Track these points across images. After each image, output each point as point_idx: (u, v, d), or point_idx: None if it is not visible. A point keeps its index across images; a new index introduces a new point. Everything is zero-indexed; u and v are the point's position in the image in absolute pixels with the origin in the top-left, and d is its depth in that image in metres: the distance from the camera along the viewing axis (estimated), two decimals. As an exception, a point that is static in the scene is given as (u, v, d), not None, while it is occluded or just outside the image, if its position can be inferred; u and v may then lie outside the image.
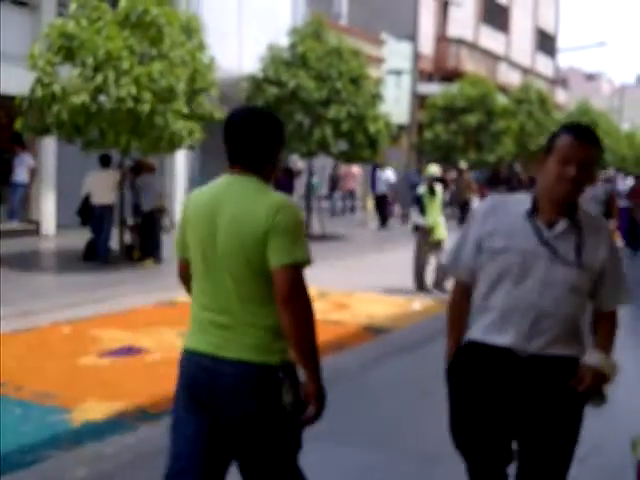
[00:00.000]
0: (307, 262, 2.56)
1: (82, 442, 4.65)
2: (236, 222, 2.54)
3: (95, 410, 5.21)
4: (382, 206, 20.70)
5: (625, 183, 23.66)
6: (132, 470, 4.33)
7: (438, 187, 10.40)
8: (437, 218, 10.22)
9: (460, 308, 2.92)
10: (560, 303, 2.70)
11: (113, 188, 11.84)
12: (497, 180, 30.10)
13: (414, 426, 5.15)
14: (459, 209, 21.63)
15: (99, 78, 10.42)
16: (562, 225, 2.69)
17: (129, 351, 6.86)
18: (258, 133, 2.63)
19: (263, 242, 2.51)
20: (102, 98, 10.55)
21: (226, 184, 2.67)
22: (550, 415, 2.75)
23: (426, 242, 10.20)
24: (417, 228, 10.35)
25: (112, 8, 11.23)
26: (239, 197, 2.59)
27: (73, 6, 11.17)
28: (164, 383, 5.87)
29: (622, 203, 15.32)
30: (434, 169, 10.56)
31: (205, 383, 2.62)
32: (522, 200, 2.78)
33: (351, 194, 22.96)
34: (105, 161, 12.02)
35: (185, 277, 2.87)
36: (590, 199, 10.15)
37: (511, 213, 2.76)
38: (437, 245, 10.27)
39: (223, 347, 2.59)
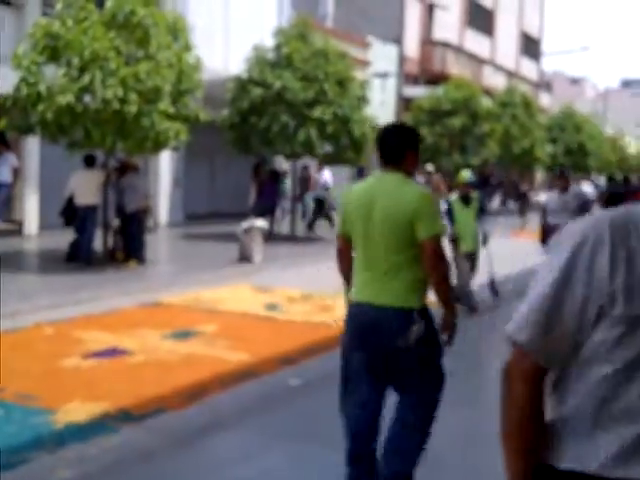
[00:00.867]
0: (443, 233, 3.69)
1: (65, 444, 4.64)
2: (390, 205, 3.51)
3: (78, 412, 5.20)
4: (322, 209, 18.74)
5: (590, 188, 23.59)
6: (116, 472, 4.34)
7: (475, 194, 9.26)
8: (469, 229, 9.09)
9: (536, 409, 1.71)
10: None
11: (97, 188, 11.78)
12: (486, 184, 30.22)
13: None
14: None
15: (85, 78, 10.39)
16: None
17: (113, 352, 6.85)
18: (403, 141, 3.62)
19: (411, 220, 3.46)
20: (87, 98, 10.52)
21: (380, 178, 3.65)
22: None
23: (460, 256, 9.09)
24: (454, 240, 9.10)
25: (99, 8, 11.20)
26: (391, 187, 3.56)
27: (59, 6, 11.14)
28: (148, 384, 5.88)
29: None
30: (467, 174, 9.21)
31: (368, 323, 3.57)
32: None
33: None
34: (89, 161, 11.97)
35: (342, 249, 3.82)
36: (560, 210, 9.41)
37: None
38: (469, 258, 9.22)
39: (379, 296, 3.54)
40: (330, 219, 18.61)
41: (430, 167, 20.50)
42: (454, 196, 9.28)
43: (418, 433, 3.64)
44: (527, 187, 29.14)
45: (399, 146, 3.61)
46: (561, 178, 9.79)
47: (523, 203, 24.63)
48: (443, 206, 14.26)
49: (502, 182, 32.42)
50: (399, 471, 3.61)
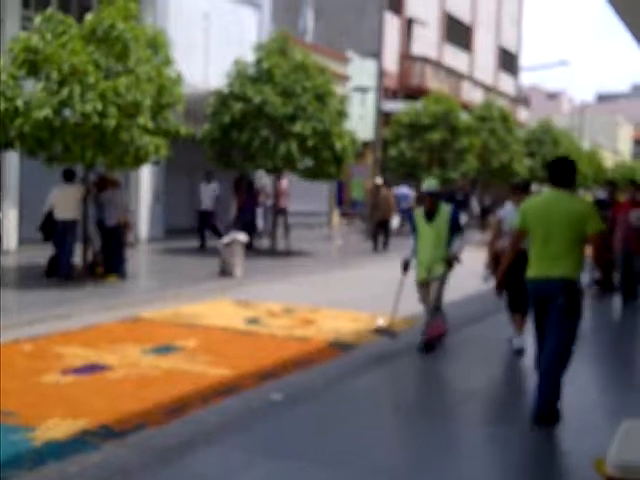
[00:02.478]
0: (604, 228, 5.64)
1: (45, 461, 4.58)
2: (566, 212, 5.43)
3: (58, 428, 5.14)
4: (206, 224, 17.24)
5: None
6: (96, 489, 4.28)
7: (445, 207, 7.80)
8: (427, 252, 7.75)
9: None
10: None
11: (77, 203, 11.71)
12: (452, 200, 30.28)
13: (381, 442, 5.17)
14: (374, 230, 19.14)
15: (64, 92, 10.34)
16: None
17: (93, 368, 6.78)
18: (571, 170, 5.59)
19: (582, 221, 5.40)
20: (67, 112, 10.47)
21: (555, 195, 5.56)
22: None
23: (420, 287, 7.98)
24: (405, 265, 7.95)
25: (78, 23, 11.17)
26: (565, 201, 5.50)
27: (38, 20, 11.09)
28: (128, 400, 5.83)
29: None
30: (428, 182, 7.91)
31: (543, 290, 5.50)
32: None
33: (283, 212, 18.81)
34: (68, 176, 11.90)
35: (519, 238, 5.85)
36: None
37: None
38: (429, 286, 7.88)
39: (552, 272, 5.44)
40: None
41: (379, 180, 19.78)
42: (419, 210, 7.96)
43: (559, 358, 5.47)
44: (490, 202, 29.04)
45: (569, 174, 5.56)
46: (519, 191, 7.81)
47: (484, 219, 24.47)
48: (394, 221, 12.95)
49: (468, 197, 32.48)
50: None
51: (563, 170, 5.56)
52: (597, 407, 6.18)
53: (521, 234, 5.76)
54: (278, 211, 17.97)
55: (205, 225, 17.28)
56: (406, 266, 7.95)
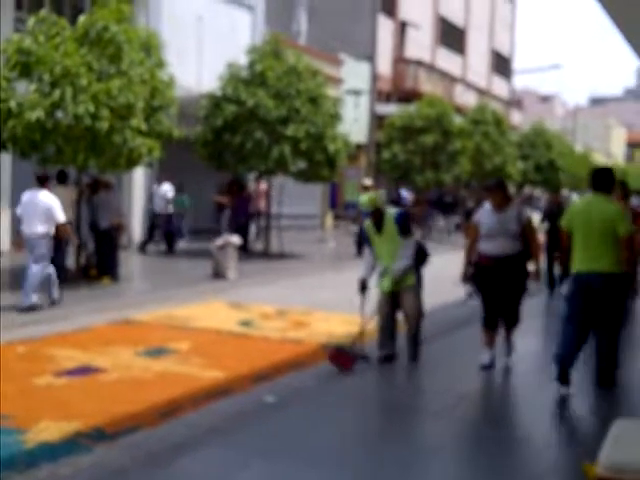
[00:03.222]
0: (631, 231, 6.17)
1: (37, 463, 4.57)
2: (602, 215, 6.14)
3: (51, 431, 5.13)
4: (161, 227, 16.94)
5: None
6: (88, 491, 4.28)
7: (390, 213, 7.19)
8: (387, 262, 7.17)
9: None
10: None
11: (70, 205, 11.69)
12: (440, 204, 30.21)
13: (374, 444, 5.17)
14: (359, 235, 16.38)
15: (56, 94, 10.33)
16: None
17: (86, 370, 6.78)
18: (609, 177, 6.35)
19: (615, 224, 6.09)
20: (60, 114, 10.46)
21: (595, 199, 6.29)
22: None
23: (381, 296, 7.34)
24: (362, 285, 7.32)
25: (71, 24, 11.17)
26: (604, 203, 6.23)
27: (31, 22, 11.08)
28: (121, 402, 5.82)
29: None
30: (362, 199, 7.27)
31: (586, 282, 6.19)
32: None
33: (258, 214, 18.79)
34: (62, 177, 11.88)
35: (566, 238, 6.41)
36: (496, 234, 6.91)
37: None
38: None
39: (594, 267, 6.15)
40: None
41: (368, 181, 18.10)
42: (368, 222, 7.26)
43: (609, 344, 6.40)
44: (473, 204, 28.97)
45: (609, 182, 6.30)
46: (493, 191, 6.95)
47: (467, 222, 24.34)
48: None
49: (457, 200, 32.47)
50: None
51: (602, 177, 6.29)
52: (590, 408, 6.20)
53: (567, 234, 6.38)
54: (254, 213, 17.83)
55: (161, 227, 17.07)
56: (363, 286, 7.25)
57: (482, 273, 7.06)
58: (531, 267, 7.07)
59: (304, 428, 5.39)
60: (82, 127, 10.42)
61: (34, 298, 9.39)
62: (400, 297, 7.17)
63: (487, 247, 6.94)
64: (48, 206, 9.66)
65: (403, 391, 6.73)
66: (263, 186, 18.38)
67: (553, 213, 12.13)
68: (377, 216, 7.11)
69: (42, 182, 9.92)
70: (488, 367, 7.14)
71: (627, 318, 6.73)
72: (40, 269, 9.51)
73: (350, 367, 6.94)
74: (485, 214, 7.03)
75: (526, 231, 6.94)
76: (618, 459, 3.47)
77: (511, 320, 7.21)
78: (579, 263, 6.24)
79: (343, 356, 7.03)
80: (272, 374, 6.81)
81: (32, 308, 9.31)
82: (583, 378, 6.57)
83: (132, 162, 11.60)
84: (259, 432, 5.23)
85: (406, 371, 7.27)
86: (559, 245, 7.12)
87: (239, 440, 5.09)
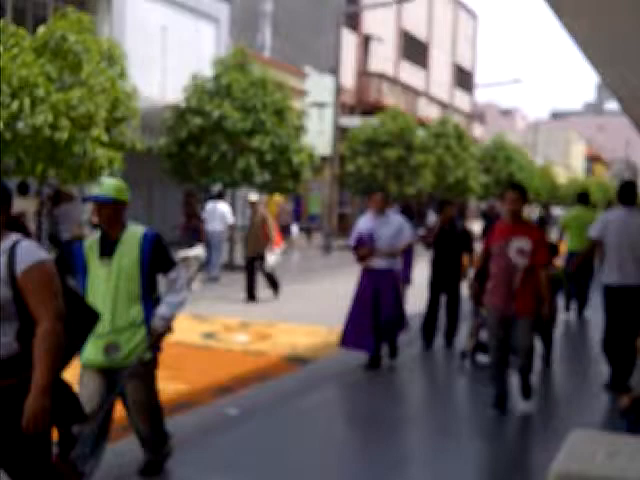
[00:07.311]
0: None
1: None
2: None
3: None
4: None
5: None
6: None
7: (135, 231, 4.44)
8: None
9: None
10: None
11: (31, 217, 11.53)
12: (409, 212, 30.25)
13: (338, 457, 5.15)
14: (247, 266, 12.55)
15: (14, 105, 10.20)
16: None
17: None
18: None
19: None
20: (19, 125, 10.33)
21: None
22: None
23: None
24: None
25: (32, 35, 11.05)
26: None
27: (-11, 32, 10.95)
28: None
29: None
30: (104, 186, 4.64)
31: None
32: None
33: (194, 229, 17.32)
34: (22, 189, 11.72)
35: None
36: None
37: None
38: None
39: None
40: None
41: (254, 197, 13.33)
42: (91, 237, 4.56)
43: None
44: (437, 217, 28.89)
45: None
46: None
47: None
48: (271, 256, 11.89)
49: (420, 212, 32.59)
50: None
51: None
52: (554, 416, 6.25)
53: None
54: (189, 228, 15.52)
55: None
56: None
57: None
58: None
59: (267, 441, 5.36)
60: (41, 138, 10.31)
61: None
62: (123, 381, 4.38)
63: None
64: None
65: (369, 403, 6.72)
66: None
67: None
68: (110, 224, 4.47)
69: None
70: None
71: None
72: None
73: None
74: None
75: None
76: (568, 469, 3.42)
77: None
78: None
79: None
80: (235, 387, 6.75)
81: None
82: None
83: (94, 173, 11.50)
84: (222, 445, 5.18)
85: (372, 381, 7.28)
86: None
87: (202, 454, 5.03)
